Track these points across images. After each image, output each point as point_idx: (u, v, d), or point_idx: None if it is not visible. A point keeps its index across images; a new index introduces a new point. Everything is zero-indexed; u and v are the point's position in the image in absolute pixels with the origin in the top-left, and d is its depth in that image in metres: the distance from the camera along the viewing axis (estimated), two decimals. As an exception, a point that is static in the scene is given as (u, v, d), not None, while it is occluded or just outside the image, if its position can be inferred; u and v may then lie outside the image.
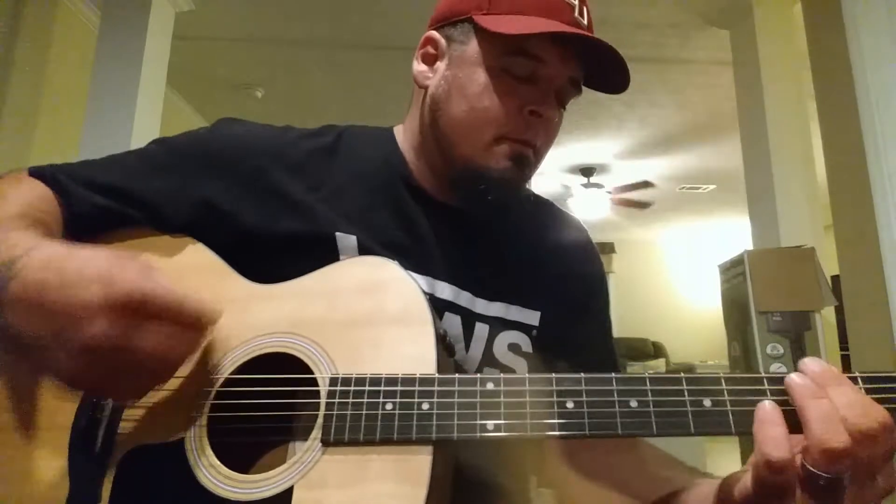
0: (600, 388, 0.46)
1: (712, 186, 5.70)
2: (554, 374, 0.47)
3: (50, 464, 0.50)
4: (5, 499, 0.50)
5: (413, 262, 0.62)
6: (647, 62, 3.47)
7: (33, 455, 0.51)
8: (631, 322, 7.18)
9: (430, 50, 0.66)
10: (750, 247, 2.48)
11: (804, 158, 2.57)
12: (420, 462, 0.46)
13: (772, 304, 2.16)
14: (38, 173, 0.62)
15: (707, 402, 0.44)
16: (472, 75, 0.61)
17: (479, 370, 0.64)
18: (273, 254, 0.61)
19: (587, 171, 5.28)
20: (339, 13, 3.05)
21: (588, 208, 5.52)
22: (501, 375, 0.48)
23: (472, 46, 0.62)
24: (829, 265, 2.18)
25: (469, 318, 0.64)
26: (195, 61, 3.53)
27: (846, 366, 2.12)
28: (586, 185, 5.36)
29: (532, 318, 0.67)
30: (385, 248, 0.61)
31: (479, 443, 0.49)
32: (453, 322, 0.63)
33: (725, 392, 0.44)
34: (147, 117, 2.62)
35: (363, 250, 0.60)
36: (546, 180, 5.40)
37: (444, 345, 0.53)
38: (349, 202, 0.64)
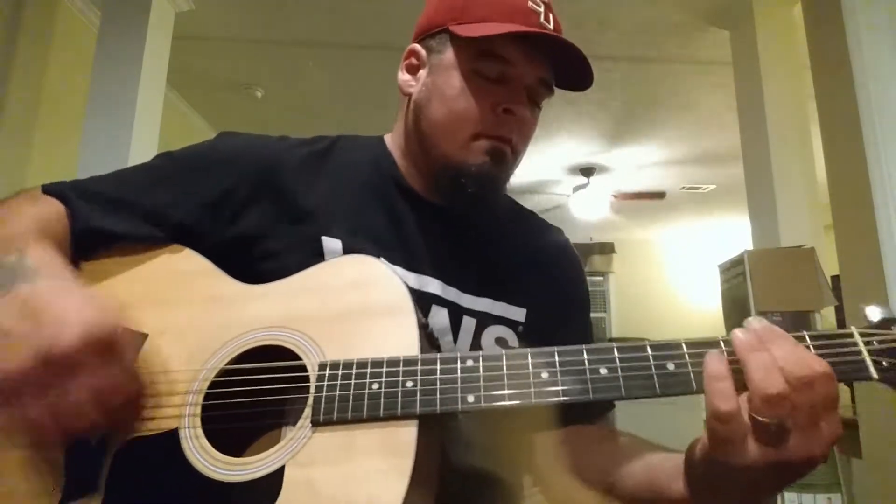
0: (572, 358, 0.49)
1: (712, 186, 5.70)
2: (529, 349, 0.51)
3: (46, 456, 0.51)
4: (11, 488, 0.50)
5: (401, 258, 0.66)
6: (648, 62, 3.47)
7: (33, 447, 0.52)
8: (630, 322, 7.18)
9: (413, 61, 0.71)
10: (750, 247, 2.48)
11: (804, 158, 2.57)
12: (406, 435, 0.48)
13: (772, 304, 2.16)
14: (51, 191, 0.64)
15: (671, 366, 0.48)
16: (448, 79, 0.66)
17: None
18: (263, 256, 0.64)
19: (587, 170, 5.28)
20: (339, 13, 3.05)
21: (588, 208, 5.52)
22: (480, 352, 0.51)
23: (448, 54, 0.67)
24: (829, 265, 2.17)
25: (456, 312, 0.68)
26: (195, 61, 3.53)
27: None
28: (586, 186, 5.35)
29: (518, 314, 0.71)
30: (373, 245, 0.65)
31: (470, 429, 0.51)
32: (441, 315, 0.67)
33: (687, 355, 0.48)
34: (147, 117, 2.62)
35: (348, 253, 0.64)
36: (546, 181, 5.40)
37: (426, 333, 0.56)
38: (340, 204, 0.68)
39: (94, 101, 2.55)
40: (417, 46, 0.71)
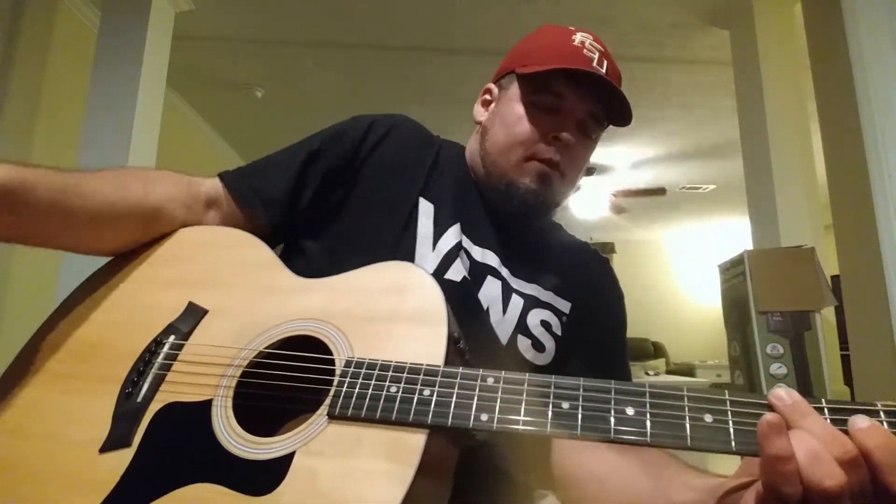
0: (598, 394, 0.47)
1: (712, 186, 5.70)
2: (553, 377, 0.49)
3: (101, 408, 0.57)
4: (61, 432, 0.55)
5: (470, 231, 0.77)
6: (647, 62, 3.47)
7: (90, 400, 0.58)
8: (631, 322, 7.12)
9: (487, 97, 0.85)
10: (750, 247, 2.48)
11: (804, 158, 2.57)
12: (413, 442, 0.48)
13: (772, 304, 2.16)
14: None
15: (708, 418, 0.43)
16: (510, 109, 0.78)
17: (513, 335, 0.73)
18: (366, 207, 0.75)
19: (587, 170, 5.27)
20: (339, 13, 3.05)
21: (588, 208, 5.52)
22: (503, 373, 0.50)
23: (513, 89, 0.79)
24: (829, 265, 2.17)
25: (507, 289, 0.75)
26: (195, 61, 3.53)
27: (846, 366, 2.12)
28: (585, 186, 5.35)
29: (564, 306, 0.78)
30: (455, 217, 0.76)
31: (493, 443, 0.49)
32: (494, 285, 0.75)
33: (730, 413, 0.43)
34: (147, 117, 2.62)
35: (437, 213, 0.76)
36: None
37: (455, 347, 0.55)
38: (438, 182, 0.80)
39: (93, 101, 2.55)
40: (492, 85, 0.85)
